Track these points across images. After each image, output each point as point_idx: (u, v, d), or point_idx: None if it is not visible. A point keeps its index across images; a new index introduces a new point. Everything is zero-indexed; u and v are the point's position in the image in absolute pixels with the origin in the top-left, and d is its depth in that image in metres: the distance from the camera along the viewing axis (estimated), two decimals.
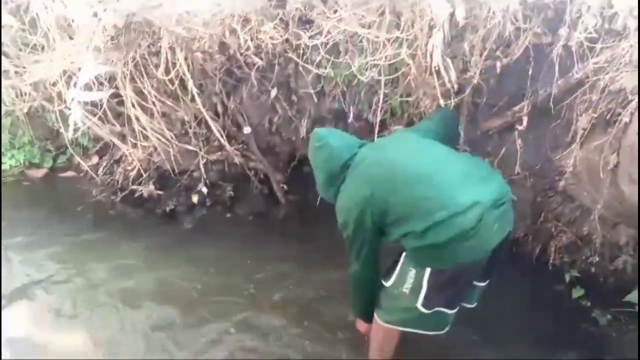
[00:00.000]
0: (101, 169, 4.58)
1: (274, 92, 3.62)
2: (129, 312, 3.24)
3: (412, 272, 2.24)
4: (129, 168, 4.31)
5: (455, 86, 3.04)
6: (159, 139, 3.89)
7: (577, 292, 3.30)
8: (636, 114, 2.49)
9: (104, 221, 4.22)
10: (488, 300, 2.67)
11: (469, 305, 2.60)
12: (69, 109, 3.33)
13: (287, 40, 3.36)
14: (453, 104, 3.11)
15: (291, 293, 3.43)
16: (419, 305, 2.24)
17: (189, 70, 3.50)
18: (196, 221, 4.23)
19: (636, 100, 2.48)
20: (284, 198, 4.21)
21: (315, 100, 3.53)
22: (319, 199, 4.08)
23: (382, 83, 3.23)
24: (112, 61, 3.54)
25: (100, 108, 3.74)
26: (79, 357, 2.95)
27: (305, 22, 3.34)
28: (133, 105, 3.73)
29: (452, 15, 2.83)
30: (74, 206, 4.38)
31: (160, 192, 4.25)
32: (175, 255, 3.77)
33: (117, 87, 3.68)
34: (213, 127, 3.76)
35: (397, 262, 2.35)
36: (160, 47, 3.45)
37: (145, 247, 3.87)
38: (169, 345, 3.02)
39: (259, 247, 3.84)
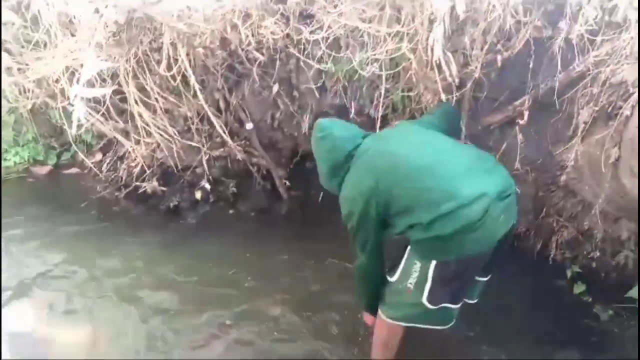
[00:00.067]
0: (105, 165, 4.60)
1: (275, 88, 3.62)
2: (132, 307, 3.24)
3: (417, 266, 2.23)
4: (133, 164, 4.33)
5: (457, 80, 3.03)
6: (162, 135, 3.90)
7: (579, 288, 3.29)
8: (637, 106, 2.48)
9: (108, 217, 4.23)
10: (490, 296, 2.67)
11: (470, 301, 2.58)
12: (72, 106, 3.35)
13: (288, 35, 3.37)
14: (454, 98, 3.11)
15: (290, 287, 3.42)
16: (424, 300, 2.23)
17: (190, 66, 3.51)
18: (199, 217, 4.23)
19: (637, 92, 2.47)
20: (286, 194, 4.21)
21: (317, 95, 3.54)
22: (321, 194, 4.12)
23: (384, 78, 3.24)
24: (114, 57, 3.55)
25: (104, 105, 3.76)
26: (81, 351, 2.96)
27: (306, 16, 3.35)
28: (136, 102, 3.74)
29: (452, 8, 2.83)
30: (78, 202, 4.39)
31: (163, 189, 4.26)
32: (178, 251, 3.78)
33: (119, 84, 3.69)
34: (215, 123, 3.76)
35: (401, 257, 2.34)
36: (162, 43, 3.46)
37: (148, 243, 3.87)
38: (169, 337, 3.04)
39: (262, 242, 3.84)
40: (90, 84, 3.43)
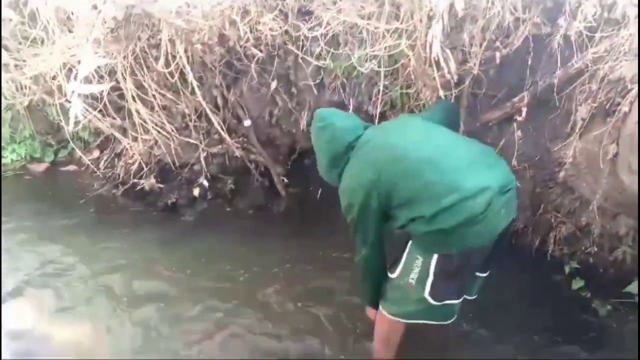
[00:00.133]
0: (102, 162, 4.60)
1: (273, 85, 3.62)
2: (130, 304, 3.24)
3: (419, 261, 2.21)
4: (130, 161, 4.33)
5: (455, 77, 3.03)
6: (159, 132, 3.90)
7: (577, 284, 3.30)
8: (636, 103, 2.49)
9: (106, 214, 4.24)
10: (488, 292, 2.67)
11: (469, 297, 2.57)
12: (70, 102, 3.33)
13: (286, 31, 3.37)
14: (453, 95, 3.11)
15: (287, 283, 3.42)
16: (426, 295, 2.21)
17: (188, 62, 3.50)
18: (197, 214, 4.24)
19: (636, 89, 2.48)
20: (284, 191, 4.21)
21: (315, 92, 3.54)
22: (319, 191, 4.13)
23: (382, 74, 3.24)
24: (112, 54, 3.54)
25: (101, 101, 3.75)
26: (79, 347, 2.96)
27: (305, 13, 3.35)
28: (133, 99, 3.73)
29: (451, 5, 2.81)
30: (76, 200, 4.39)
31: (161, 186, 4.27)
32: (176, 248, 3.78)
33: (117, 81, 3.68)
34: (213, 120, 3.76)
35: (402, 253, 2.32)
36: (160, 39, 3.45)
37: (146, 240, 3.87)
38: (164, 332, 3.05)
39: (260, 239, 3.84)
40: (87, 80, 3.42)
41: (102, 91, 3.63)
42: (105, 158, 4.61)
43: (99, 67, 3.54)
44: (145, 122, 3.83)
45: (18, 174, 4.75)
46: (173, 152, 3.99)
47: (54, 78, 3.83)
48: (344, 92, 3.46)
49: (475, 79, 3.08)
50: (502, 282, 2.98)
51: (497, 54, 2.94)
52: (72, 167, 4.83)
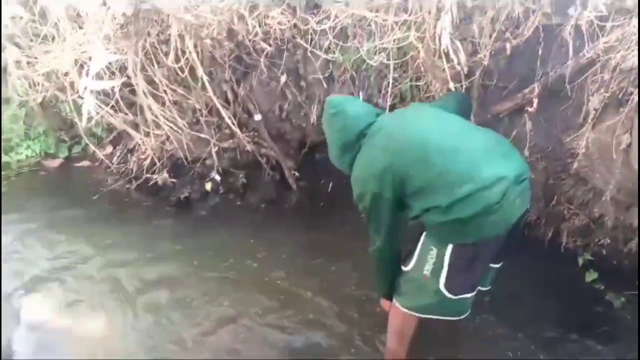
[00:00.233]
0: (115, 158, 4.64)
1: (283, 79, 3.62)
2: (142, 296, 3.28)
3: (434, 252, 2.18)
4: (143, 157, 4.36)
5: (465, 69, 3.00)
6: (171, 128, 3.91)
7: (591, 276, 3.26)
8: None
9: (120, 209, 4.28)
10: (502, 284, 2.66)
11: (483, 288, 2.56)
12: (82, 98, 3.36)
13: (295, 25, 3.36)
14: (463, 87, 3.08)
15: (294, 275, 3.44)
16: (441, 287, 2.19)
17: (198, 57, 3.51)
18: (210, 208, 4.26)
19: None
20: (295, 184, 4.22)
21: (325, 85, 3.53)
22: (330, 185, 4.13)
23: (391, 67, 3.22)
24: (123, 50, 3.56)
25: (113, 97, 3.78)
26: (93, 340, 3.00)
27: (313, 6, 3.34)
28: (145, 94, 3.75)
29: None
30: (90, 195, 4.43)
31: (174, 180, 4.30)
32: (189, 242, 3.81)
33: (128, 76, 3.70)
34: (224, 115, 3.77)
35: (416, 245, 2.29)
36: (170, 34, 3.46)
37: (160, 234, 3.91)
38: (176, 321, 3.10)
39: (270, 233, 3.86)
40: (99, 76, 3.44)
41: (114, 87, 3.65)
42: (118, 153, 4.65)
43: (109, 63, 3.57)
44: (156, 117, 3.85)
45: (33, 170, 4.80)
46: (185, 147, 4.01)
47: (66, 75, 3.86)
48: (354, 85, 3.45)
49: (485, 70, 3.04)
50: (515, 274, 2.96)
51: (508, 45, 2.90)
52: (85, 163, 4.88)
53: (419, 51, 3.06)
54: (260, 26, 3.40)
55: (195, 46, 3.46)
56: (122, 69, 3.76)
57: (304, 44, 3.40)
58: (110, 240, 3.83)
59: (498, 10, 2.79)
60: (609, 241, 3.21)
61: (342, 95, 2.58)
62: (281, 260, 3.57)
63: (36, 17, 3.86)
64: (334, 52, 3.32)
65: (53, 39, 3.89)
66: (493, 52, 2.97)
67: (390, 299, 2.51)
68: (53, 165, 4.87)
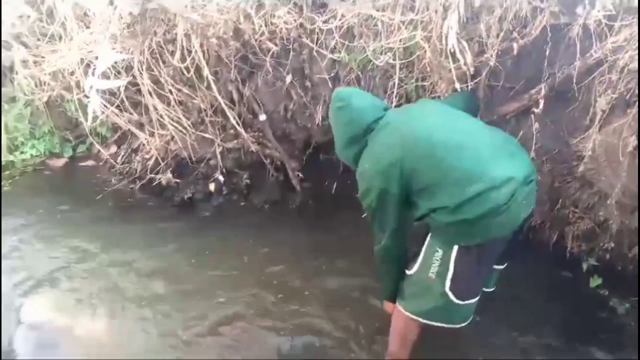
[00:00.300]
0: (120, 157, 4.64)
1: (288, 79, 3.62)
2: (147, 298, 3.26)
3: (439, 253, 2.16)
4: (147, 157, 4.36)
5: (472, 69, 2.99)
6: (176, 128, 3.92)
7: (595, 281, 3.23)
8: None
9: (123, 209, 4.27)
10: (505, 288, 2.65)
11: (487, 289, 2.54)
12: (88, 98, 3.37)
13: (301, 24, 3.36)
14: (469, 87, 3.07)
15: (293, 275, 3.43)
16: (447, 290, 2.16)
17: (204, 57, 3.52)
18: (213, 209, 4.25)
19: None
20: (299, 185, 4.21)
21: (330, 86, 3.52)
22: (334, 186, 4.12)
23: (397, 67, 3.22)
24: (129, 49, 3.57)
25: (118, 97, 3.79)
26: (96, 339, 3.00)
27: (319, 6, 3.34)
28: (150, 94, 3.76)
29: None
30: (94, 195, 4.42)
31: (177, 181, 4.29)
32: (192, 242, 3.80)
33: (134, 76, 3.71)
34: (229, 115, 3.77)
35: (420, 248, 2.26)
36: (176, 34, 3.47)
37: (163, 234, 3.89)
38: (178, 322, 3.07)
39: (273, 233, 3.85)
40: (105, 76, 3.45)
41: (120, 87, 3.66)
42: (122, 153, 4.65)
43: (116, 62, 3.58)
44: (161, 117, 3.86)
45: (37, 169, 4.81)
46: (189, 147, 4.01)
47: (72, 74, 3.88)
48: (359, 85, 3.43)
49: (492, 70, 3.03)
50: (519, 278, 2.96)
51: (515, 45, 2.89)
52: (90, 162, 4.88)
53: (425, 51, 3.05)
54: (266, 25, 3.40)
55: (201, 45, 3.46)
56: (128, 68, 3.76)
57: (310, 44, 3.40)
58: (112, 240, 3.82)
59: (505, 10, 2.78)
60: (613, 245, 3.17)
61: (350, 88, 2.54)
62: (283, 260, 3.55)
63: (43, 16, 3.87)
64: (339, 52, 3.32)
65: (60, 38, 3.91)
66: (500, 52, 2.95)
67: (394, 301, 2.48)
68: (57, 165, 4.87)
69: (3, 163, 4.68)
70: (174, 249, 3.71)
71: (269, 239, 3.78)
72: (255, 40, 3.49)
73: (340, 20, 3.20)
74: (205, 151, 4.14)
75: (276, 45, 3.48)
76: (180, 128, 3.91)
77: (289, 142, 4.10)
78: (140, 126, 4.15)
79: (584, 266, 3.30)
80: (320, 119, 3.67)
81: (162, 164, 4.25)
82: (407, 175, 2.10)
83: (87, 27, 3.74)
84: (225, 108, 3.74)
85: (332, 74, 3.47)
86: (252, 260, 3.58)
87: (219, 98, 3.67)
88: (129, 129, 4.21)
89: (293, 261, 3.55)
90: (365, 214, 2.33)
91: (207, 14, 3.36)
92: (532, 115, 3.02)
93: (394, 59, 3.18)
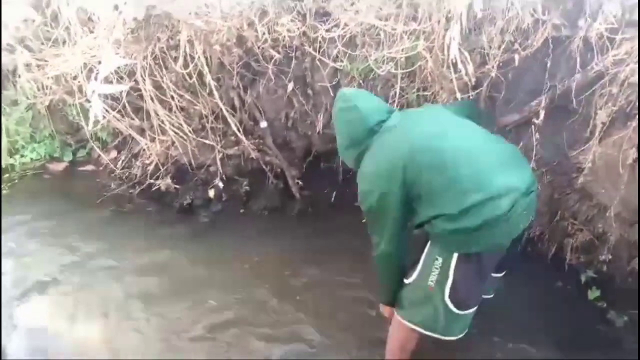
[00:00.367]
0: (120, 163, 4.63)
1: (290, 86, 3.63)
2: (143, 303, 3.26)
3: (439, 261, 2.14)
4: (147, 162, 4.35)
5: (473, 80, 3.01)
6: (176, 133, 3.92)
7: (593, 294, 3.22)
8: None
9: (122, 214, 4.26)
10: (503, 299, 2.64)
11: (486, 296, 2.53)
12: (90, 102, 3.38)
13: (304, 33, 3.38)
14: (470, 98, 3.08)
15: (289, 281, 3.45)
16: (446, 298, 2.15)
17: (207, 63, 3.53)
18: (212, 215, 4.24)
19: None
20: (298, 193, 4.20)
21: (332, 94, 3.53)
22: (333, 194, 4.12)
23: (399, 77, 3.23)
24: (132, 55, 3.59)
25: (120, 102, 3.80)
26: (94, 345, 2.99)
27: (323, 14, 3.36)
28: (152, 99, 3.77)
29: (470, 7, 2.80)
30: (93, 199, 4.41)
31: (177, 186, 4.29)
32: (190, 249, 3.79)
33: (136, 81, 3.72)
34: (230, 122, 3.78)
35: (419, 256, 2.24)
36: (179, 40, 3.49)
37: (161, 240, 3.89)
38: (175, 326, 3.08)
39: (271, 240, 3.85)
40: (107, 80, 3.46)
41: (122, 92, 3.67)
42: (122, 158, 4.65)
43: (118, 67, 3.59)
44: (163, 123, 3.86)
45: (37, 173, 4.80)
46: (190, 153, 4.01)
47: (74, 78, 3.89)
48: None
49: (493, 81, 3.04)
50: (517, 289, 2.94)
51: (516, 56, 2.90)
52: (90, 167, 4.87)
53: (427, 61, 3.07)
54: (269, 33, 3.42)
55: (204, 52, 3.48)
56: (131, 73, 3.77)
57: (313, 52, 3.41)
58: (110, 244, 3.82)
59: (507, 21, 2.80)
60: (611, 257, 3.17)
61: (354, 89, 2.53)
62: (280, 267, 3.55)
63: (48, 20, 3.89)
64: (342, 61, 3.33)
65: (64, 42, 3.93)
66: (501, 64, 2.97)
67: (392, 305, 2.46)
68: (58, 169, 4.86)
69: (3, 166, 4.68)
70: (172, 254, 3.71)
71: (266, 246, 3.77)
72: (258, 47, 3.50)
73: (343, 29, 3.22)
74: (205, 157, 4.14)
75: (279, 52, 3.49)
76: (181, 134, 3.92)
77: (289, 150, 4.10)
78: (141, 131, 4.15)
79: (583, 278, 3.29)
80: (321, 127, 3.68)
81: (162, 169, 4.24)
82: (409, 180, 2.09)
83: (91, 32, 3.76)
84: (227, 115, 3.74)
85: (334, 83, 3.48)
86: (249, 266, 3.58)
87: (221, 104, 3.68)
88: (129, 134, 4.22)
89: (290, 268, 3.55)
90: (364, 219, 2.31)
91: (210, 20, 3.38)
92: (533, 126, 3.03)
93: (396, 69, 3.20)
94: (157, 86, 3.76)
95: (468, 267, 2.11)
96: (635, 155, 2.63)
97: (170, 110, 3.87)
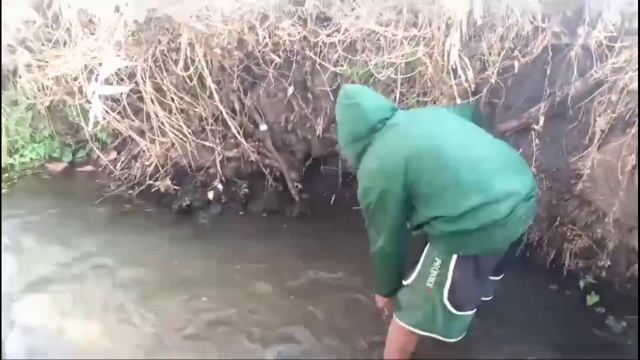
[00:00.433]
0: (119, 164, 4.64)
1: (290, 90, 3.63)
2: (140, 303, 3.25)
3: (437, 263, 2.13)
4: (147, 163, 4.36)
5: (472, 86, 3.02)
6: (176, 135, 3.93)
7: (592, 299, 3.22)
8: None
9: (121, 215, 4.25)
10: (502, 304, 2.64)
11: (485, 298, 2.52)
12: (90, 103, 3.38)
13: (304, 37, 3.38)
14: (470, 104, 3.09)
15: (287, 283, 3.43)
16: (445, 300, 2.14)
17: (207, 66, 3.54)
18: (211, 217, 4.24)
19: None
20: (298, 196, 4.20)
21: (332, 98, 3.54)
22: (333, 197, 4.12)
23: (399, 82, 3.24)
24: (133, 57, 3.59)
25: (120, 103, 3.80)
26: (91, 344, 2.98)
27: (323, 19, 3.37)
28: (152, 101, 3.77)
29: (470, 13, 2.81)
30: (92, 200, 4.40)
31: (176, 188, 4.29)
32: (187, 250, 3.78)
33: (136, 83, 3.73)
34: (230, 124, 3.79)
35: (418, 257, 2.23)
36: (180, 43, 3.49)
37: (160, 241, 3.88)
38: (171, 326, 3.07)
39: (269, 242, 3.85)
40: (108, 82, 3.46)
41: (122, 93, 3.68)
42: (122, 159, 4.65)
43: (119, 69, 3.59)
44: (162, 124, 3.87)
45: (36, 173, 4.80)
46: (189, 154, 4.02)
47: (75, 79, 3.90)
48: None
49: (492, 88, 3.05)
50: (515, 295, 2.94)
51: (516, 63, 2.92)
52: (89, 168, 4.87)
53: (427, 67, 3.08)
54: (270, 37, 3.43)
55: (204, 55, 3.49)
56: (131, 75, 3.78)
57: (313, 56, 3.42)
58: (109, 244, 3.81)
59: (507, 28, 2.81)
60: (610, 263, 3.18)
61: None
62: (278, 269, 3.55)
63: (49, 22, 3.90)
64: (342, 65, 3.34)
65: (65, 43, 3.93)
66: (501, 70, 2.98)
67: (386, 297, 2.47)
68: (57, 169, 4.86)
69: (3, 166, 4.68)
70: (170, 255, 3.70)
71: (265, 248, 3.77)
72: (259, 51, 3.51)
73: (343, 34, 3.23)
74: (205, 159, 4.15)
75: (279, 56, 3.50)
76: (180, 136, 3.93)
77: (288, 153, 4.11)
78: (141, 133, 4.16)
79: (581, 284, 3.29)
80: (321, 131, 3.69)
81: (162, 171, 4.25)
82: (410, 179, 2.08)
83: (92, 34, 3.77)
84: (227, 117, 3.75)
85: (334, 87, 3.49)
86: (247, 267, 3.57)
87: (221, 107, 3.69)
88: (129, 136, 4.22)
89: (288, 270, 3.55)
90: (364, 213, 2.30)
91: (211, 24, 3.39)
92: (532, 133, 3.04)
93: (396, 74, 3.21)
94: (158, 88, 3.77)
95: (467, 268, 2.12)
96: (634, 161, 2.64)
97: (170, 112, 3.88)
